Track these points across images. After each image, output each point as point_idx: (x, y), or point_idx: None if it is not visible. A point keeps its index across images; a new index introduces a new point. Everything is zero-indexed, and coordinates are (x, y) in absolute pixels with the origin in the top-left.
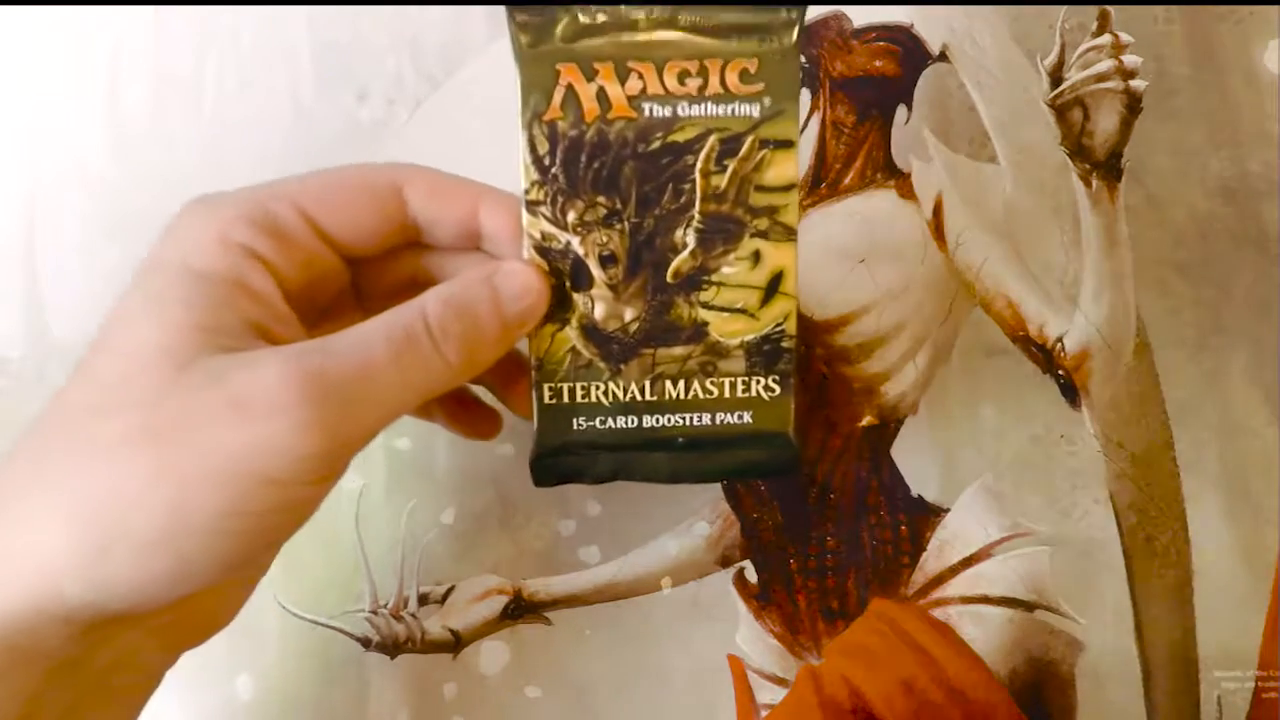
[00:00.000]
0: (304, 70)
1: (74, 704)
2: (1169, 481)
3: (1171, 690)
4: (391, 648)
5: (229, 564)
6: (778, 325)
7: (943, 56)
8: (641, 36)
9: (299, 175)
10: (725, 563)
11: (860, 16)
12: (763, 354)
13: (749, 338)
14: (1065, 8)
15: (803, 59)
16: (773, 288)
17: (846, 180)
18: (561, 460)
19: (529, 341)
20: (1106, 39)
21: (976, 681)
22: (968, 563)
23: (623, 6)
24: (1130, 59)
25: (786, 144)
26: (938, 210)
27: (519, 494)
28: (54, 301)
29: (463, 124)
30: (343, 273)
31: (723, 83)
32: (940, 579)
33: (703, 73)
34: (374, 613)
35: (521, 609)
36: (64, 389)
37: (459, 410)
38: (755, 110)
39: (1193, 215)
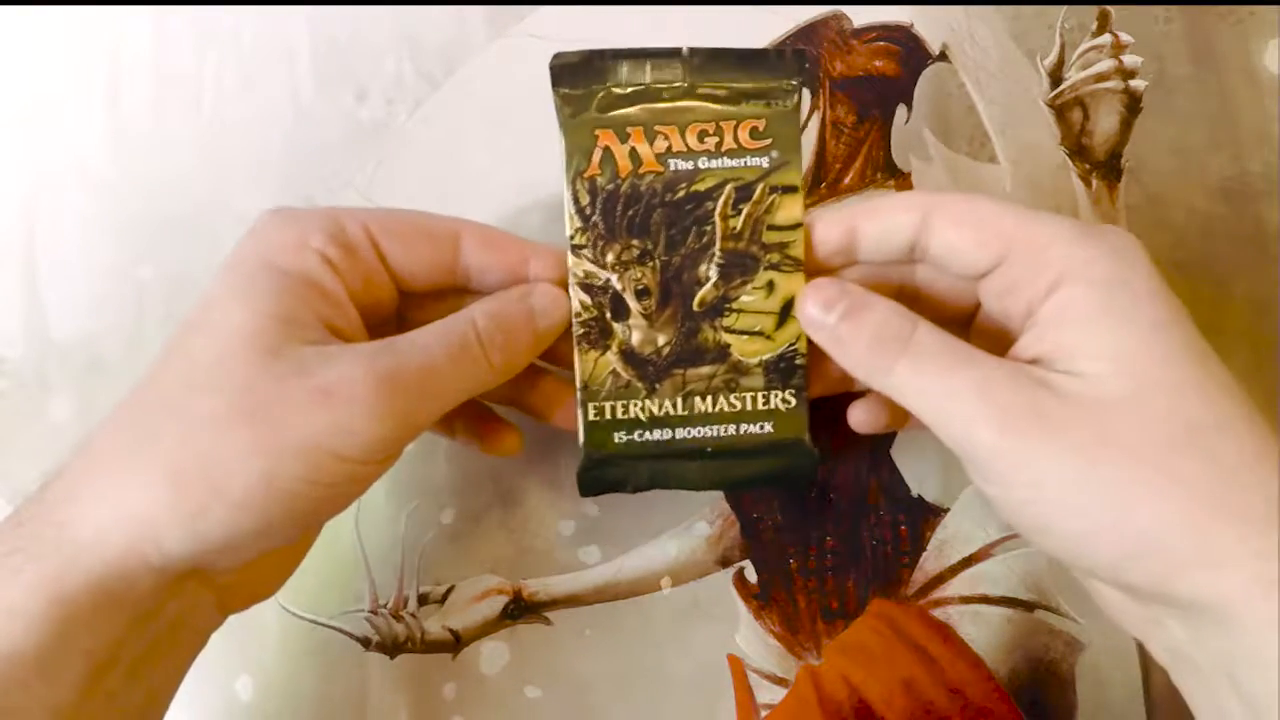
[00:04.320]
0: (304, 70)
1: (145, 654)
2: None
3: (1171, 690)
4: (391, 648)
5: (301, 525)
6: (791, 345)
7: (943, 56)
8: (666, 104)
9: (370, 207)
10: (725, 563)
11: (860, 16)
12: (779, 371)
13: (766, 357)
14: (1065, 8)
15: None
16: (785, 313)
17: (846, 180)
18: (605, 472)
19: (576, 366)
20: (1106, 39)
21: (976, 681)
22: (967, 562)
23: (650, 80)
24: (1130, 59)
25: (792, 189)
26: None
27: (519, 494)
28: (54, 301)
29: (462, 124)
30: (394, 299)
31: (736, 140)
32: (940, 579)
33: (719, 132)
34: (374, 613)
35: (521, 609)
36: (159, 363)
37: (480, 427)
38: (764, 161)
39: (1193, 215)
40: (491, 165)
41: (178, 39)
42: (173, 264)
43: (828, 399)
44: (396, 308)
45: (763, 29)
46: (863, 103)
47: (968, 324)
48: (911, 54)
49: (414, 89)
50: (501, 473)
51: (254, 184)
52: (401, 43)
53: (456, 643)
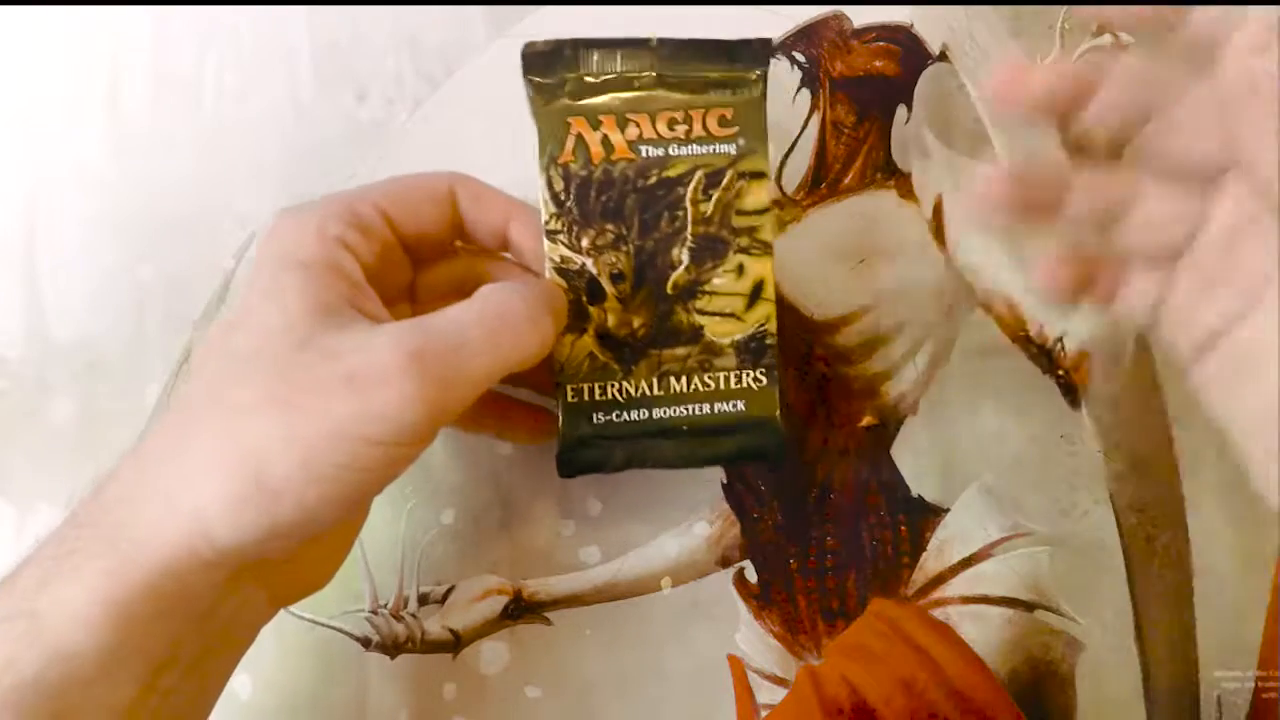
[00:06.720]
0: (304, 70)
1: (202, 653)
2: (1169, 481)
3: (1171, 690)
4: (391, 648)
5: (341, 509)
6: (760, 326)
7: (943, 56)
8: (637, 93)
9: (375, 182)
10: (725, 563)
11: (860, 16)
12: (750, 350)
13: (738, 337)
14: (1065, 8)
15: (803, 59)
16: (755, 295)
17: (846, 180)
18: (582, 453)
19: (553, 350)
20: (1106, 39)
21: (976, 681)
22: (967, 563)
23: (621, 69)
24: None
25: (760, 175)
26: (938, 210)
27: (519, 494)
28: (54, 301)
29: (462, 124)
30: (408, 268)
31: (705, 127)
32: (940, 579)
33: (688, 120)
34: (374, 613)
35: (521, 609)
36: (205, 363)
37: (513, 417)
38: (732, 149)
39: None
40: (491, 165)
41: (178, 39)
42: (173, 264)
43: (826, 395)
44: (411, 278)
45: (763, 29)
46: (863, 103)
47: None
48: (911, 54)
49: (414, 89)
50: (501, 473)
51: (254, 184)
52: (401, 43)
53: (456, 643)
